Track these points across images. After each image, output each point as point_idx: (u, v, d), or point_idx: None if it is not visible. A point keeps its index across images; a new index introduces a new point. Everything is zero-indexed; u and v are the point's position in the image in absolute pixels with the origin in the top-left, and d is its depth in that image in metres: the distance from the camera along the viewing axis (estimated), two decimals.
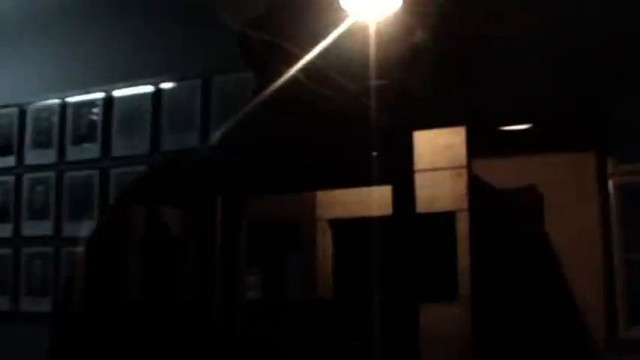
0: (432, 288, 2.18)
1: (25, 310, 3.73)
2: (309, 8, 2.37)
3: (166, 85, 3.55)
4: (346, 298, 2.22)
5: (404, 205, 2.14)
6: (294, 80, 2.33)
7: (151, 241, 2.35)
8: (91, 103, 3.75)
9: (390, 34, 2.37)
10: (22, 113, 3.98)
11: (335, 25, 2.29)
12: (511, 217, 2.55)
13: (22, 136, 3.95)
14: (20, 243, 3.84)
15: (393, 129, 2.29)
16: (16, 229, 3.87)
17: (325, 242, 2.25)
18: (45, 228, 3.77)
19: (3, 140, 4.02)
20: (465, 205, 2.15)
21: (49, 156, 3.85)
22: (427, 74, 2.53)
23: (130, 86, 3.65)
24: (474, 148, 2.21)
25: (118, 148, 3.65)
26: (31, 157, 3.91)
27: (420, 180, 2.18)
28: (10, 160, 3.97)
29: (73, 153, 3.78)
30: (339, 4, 2.38)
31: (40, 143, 3.91)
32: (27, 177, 3.90)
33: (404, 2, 2.41)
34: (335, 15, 2.33)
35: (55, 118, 3.86)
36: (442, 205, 2.18)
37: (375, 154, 2.15)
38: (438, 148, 2.18)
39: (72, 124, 3.79)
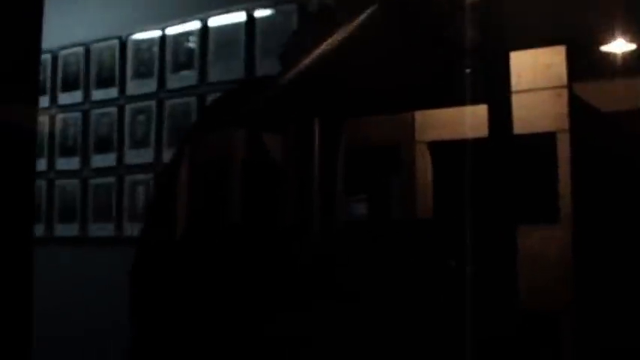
0: (533, 210, 2.16)
1: (127, 235, 3.83)
2: None
3: (261, 12, 3.56)
4: (444, 219, 2.23)
5: (501, 125, 2.11)
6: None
7: (250, 164, 2.38)
8: (188, 32, 3.78)
9: None
10: (122, 45, 4.05)
11: None
12: (615, 140, 2.50)
13: (124, 68, 4.02)
14: (124, 171, 3.93)
15: (489, 48, 2.26)
16: (119, 158, 3.96)
17: (424, 164, 2.25)
18: (146, 156, 3.85)
19: (106, 72, 4.10)
20: (565, 126, 2.12)
21: (149, 85, 3.92)
22: None
23: (225, 13, 3.66)
24: (577, 69, 2.17)
25: (215, 74, 3.68)
26: (132, 87, 3.98)
27: (519, 100, 2.15)
28: (112, 92, 4.05)
29: (171, 81, 3.83)
30: None
31: (140, 74, 3.97)
32: (129, 107, 3.98)
33: None
34: None
35: (155, 49, 3.91)
36: (542, 125, 2.15)
37: (468, 71, 2.13)
38: (537, 68, 2.15)
39: (170, 55, 3.84)
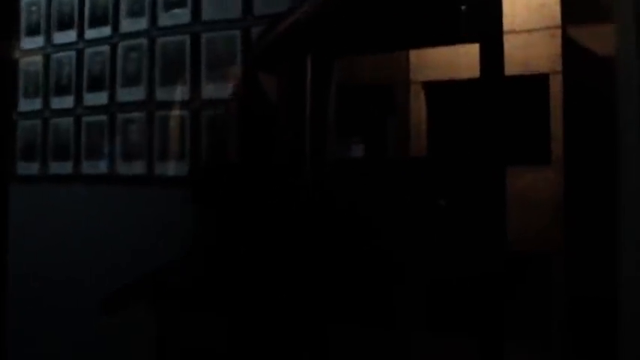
0: (525, 151, 2.17)
1: (119, 172, 3.83)
2: None
3: None
4: (436, 158, 2.23)
5: (493, 65, 2.10)
6: None
7: (247, 104, 2.38)
8: None
9: None
10: None
11: None
12: (608, 83, 2.50)
13: (117, 7, 3.98)
14: (116, 109, 3.92)
15: None
16: (111, 96, 3.94)
17: (419, 104, 2.25)
18: (139, 94, 3.83)
19: (100, 11, 4.07)
20: (558, 67, 2.12)
21: (141, 23, 3.89)
22: None
23: None
24: (571, 11, 2.16)
25: (209, 13, 3.65)
26: (125, 25, 3.95)
27: (513, 41, 2.14)
28: (106, 30, 4.03)
29: (163, 19, 3.80)
30: None
31: (133, 13, 3.94)
32: (121, 45, 3.95)
33: None
34: None
35: None
36: (536, 66, 2.14)
37: (463, 7, 2.11)
38: (531, 8, 2.14)
39: None
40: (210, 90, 3.32)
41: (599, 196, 2.29)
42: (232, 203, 2.35)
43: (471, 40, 2.14)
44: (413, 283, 2.25)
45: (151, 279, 2.63)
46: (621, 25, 1.85)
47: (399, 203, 2.21)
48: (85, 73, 4.02)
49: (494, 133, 2.12)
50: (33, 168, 4.10)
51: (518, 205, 2.10)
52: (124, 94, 3.87)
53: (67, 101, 4.06)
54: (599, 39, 2.37)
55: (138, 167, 3.68)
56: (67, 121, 4.04)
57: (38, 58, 4.17)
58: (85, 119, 3.98)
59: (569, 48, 2.16)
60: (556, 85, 2.12)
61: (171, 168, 3.45)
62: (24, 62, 4.22)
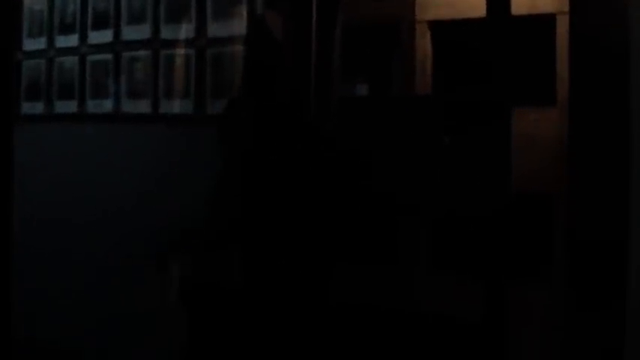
0: (531, 92, 2.17)
1: (125, 111, 3.83)
2: None
3: None
4: (442, 97, 2.23)
5: (500, 5, 2.09)
6: None
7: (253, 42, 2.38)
8: None
9: None
10: None
11: None
12: (617, 24, 2.49)
13: None
14: (120, 47, 3.90)
15: None
16: (116, 34, 3.92)
17: (424, 43, 2.25)
18: (144, 32, 3.81)
19: None
20: (565, 8, 2.11)
21: None
22: None
23: None
24: None
25: None
26: None
27: None
28: None
29: None
30: None
31: None
32: None
33: None
34: None
35: None
36: (543, 6, 2.13)
37: None
38: None
39: None
40: (215, 28, 3.30)
41: (603, 138, 2.29)
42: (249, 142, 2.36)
43: None
44: (417, 221, 2.26)
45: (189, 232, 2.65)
46: None
47: (404, 141, 2.21)
48: (90, 11, 3.99)
49: (501, 73, 2.12)
50: (38, 107, 4.09)
51: (522, 146, 2.10)
52: (130, 32, 3.85)
53: (72, 40, 4.04)
54: None
55: (143, 106, 3.68)
56: (72, 60, 4.03)
57: None
58: (90, 58, 3.97)
59: None
60: (563, 26, 2.11)
61: (177, 106, 3.44)
62: (28, 0, 4.20)
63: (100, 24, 3.93)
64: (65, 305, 3.62)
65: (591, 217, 2.22)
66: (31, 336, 3.54)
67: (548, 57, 2.13)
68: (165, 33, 3.57)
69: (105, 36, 3.91)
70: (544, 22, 2.13)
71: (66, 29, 4.06)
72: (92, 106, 3.91)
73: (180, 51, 3.49)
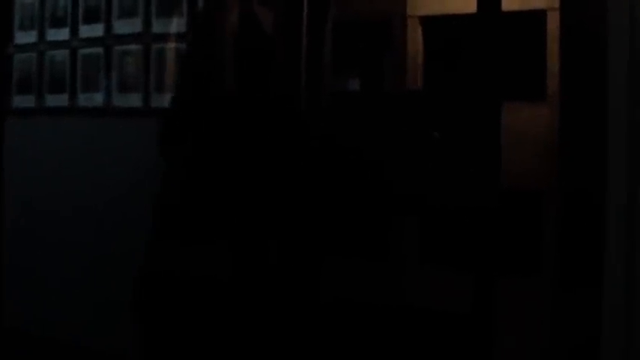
0: (521, 87, 2.17)
1: (116, 104, 3.82)
2: None
3: None
4: (432, 92, 2.24)
5: (489, 1, 2.10)
6: None
7: (244, 38, 2.38)
8: None
9: None
10: None
11: None
12: (604, 19, 2.49)
13: None
14: (112, 41, 3.89)
15: None
16: (108, 28, 3.92)
17: (416, 39, 2.25)
18: (135, 26, 3.80)
19: None
20: (556, 4, 2.11)
21: None
22: None
23: None
24: None
25: None
26: None
27: None
28: None
29: None
30: None
31: None
32: None
33: None
34: None
35: None
36: (533, 2, 2.14)
37: None
38: None
39: None
40: None
41: (593, 133, 2.30)
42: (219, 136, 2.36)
43: None
44: (407, 215, 2.27)
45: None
46: None
47: (395, 136, 2.22)
48: (81, 4, 3.98)
49: (491, 68, 2.13)
50: (29, 101, 4.08)
51: (512, 140, 2.10)
52: (121, 26, 3.85)
53: (63, 33, 4.03)
54: None
55: (134, 100, 3.67)
56: (63, 54, 4.02)
57: None
58: (81, 51, 3.96)
59: None
60: (553, 22, 2.12)
61: (168, 100, 3.44)
62: None
63: (91, 18, 3.93)
64: (56, 298, 3.63)
65: (581, 212, 2.24)
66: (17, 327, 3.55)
67: (539, 52, 2.13)
68: (157, 27, 3.57)
69: (96, 30, 3.90)
70: (535, 17, 2.13)
71: (57, 23, 4.05)
72: (83, 99, 3.90)
73: (172, 45, 3.49)
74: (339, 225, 2.33)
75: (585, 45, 2.26)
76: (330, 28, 2.21)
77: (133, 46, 3.76)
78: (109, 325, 3.19)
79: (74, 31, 3.99)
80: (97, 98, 3.85)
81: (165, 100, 3.41)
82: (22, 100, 4.11)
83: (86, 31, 3.94)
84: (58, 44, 4.03)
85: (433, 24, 2.26)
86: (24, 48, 4.14)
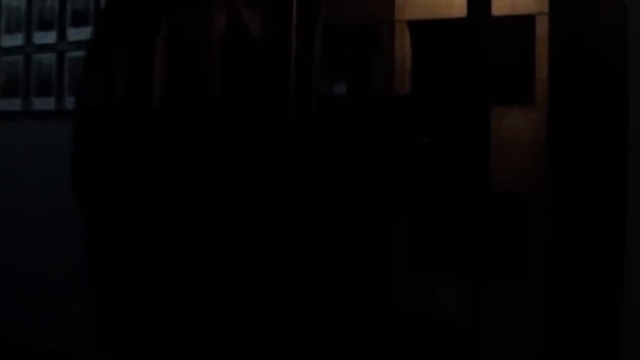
0: (510, 92, 2.18)
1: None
2: None
3: None
4: (421, 97, 2.24)
5: (480, 5, 2.10)
6: None
7: (230, 40, 2.37)
8: None
9: None
10: None
11: None
12: (594, 25, 2.50)
13: None
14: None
15: None
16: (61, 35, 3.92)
17: (404, 43, 2.25)
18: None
19: None
20: (545, 9, 2.12)
21: None
22: None
23: None
24: None
25: None
26: None
27: None
28: None
29: None
30: None
31: None
32: None
33: None
34: None
35: None
36: (522, 7, 2.14)
37: None
38: None
39: None
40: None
41: (582, 138, 2.31)
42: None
43: None
44: (396, 220, 2.27)
45: None
46: None
47: (384, 140, 2.22)
48: (69, 7, 3.97)
49: (481, 73, 2.13)
50: (15, 104, 4.07)
51: (501, 145, 2.11)
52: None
53: (50, 36, 4.01)
54: None
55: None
56: (50, 57, 4.00)
57: None
58: (69, 55, 3.94)
59: None
60: (542, 27, 2.12)
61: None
62: None
63: (79, 21, 3.91)
64: (31, 302, 3.62)
65: (569, 216, 2.24)
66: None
67: (528, 57, 2.13)
68: None
69: (84, 33, 3.88)
70: (524, 22, 2.13)
71: (44, 26, 4.03)
72: (70, 103, 3.89)
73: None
74: (327, 230, 2.33)
75: (574, 50, 2.27)
76: (320, 32, 2.20)
77: None
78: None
79: (61, 35, 3.98)
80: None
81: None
82: (9, 104, 4.10)
83: (74, 34, 3.93)
84: (44, 47, 4.02)
85: (421, 28, 2.25)
86: (10, 51, 4.12)
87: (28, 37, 4.10)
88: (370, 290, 2.29)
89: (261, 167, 2.23)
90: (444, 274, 2.21)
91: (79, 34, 3.89)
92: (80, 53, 3.82)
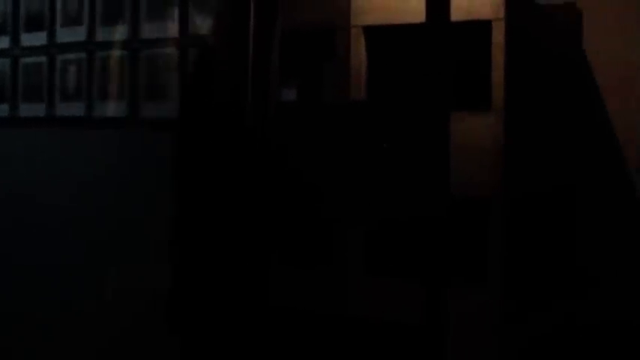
0: (466, 97, 2.19)
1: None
2: None
3: None
4: (378, 103, 2.25)
5: (438, 10, 2.11)
6: None
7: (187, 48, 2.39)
8: None
9: None
10: None
11: None
12: (549, 32, 2.52)
13: None
14: (94, 47, 3.90)
15: None
16: (89, 33, 3.92)
17: (359, 49, 2.26)
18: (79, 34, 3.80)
19: None
20: (501, 14, 2.12)
21: None
22: None
23: None
24: None
25: None
26: None
27: None
28: None
29: None
30: None
31: None
32: None
33: None
34: None
35: None
36: (478, 13, 2.15)
37: None
38: None
39: None
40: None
41: (536, 141, 2.32)
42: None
43: None
44: (354, 226, 2.28)
45: None
46: None
47: (341, 146, 2.23)
48: (59, 9, 3.98)
49: (440, 78, 2.13)
50: (3, 110, 4.08)
51: (458, 149, 2.11)
52: (104, 33, 3.86)
53: (41, 38, 4.02)
54: None
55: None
56: (40, 60, 4.01)
57: None
58: (60, 57, 3.96)
59: None
60: (498, 32, 2.13)
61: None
62: None
63: (70, 22, 3.93)
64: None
65: (526, 220, 2.25)
66: None
67: (484, 62, 2.14)
68: (145, 32, 3.58)
69: (77, 34, 3.90)
70: (480, 28, 2.14)
71: (33, 27, 4.03)
72: (63, 108, 3.91)
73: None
74: (284, 234, 2.35)
75: (529, 54, 2.28)
76: (279, 38, 2.22)
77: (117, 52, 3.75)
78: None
79: (51, 36, 3.99)
80: (78, 106, 3.85)
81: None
82: None
83: (63, 35, 3.94)
84: (33, 50, 4.03)
85: (377, 34, 2.27)
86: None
87: (15, 40, 4.10)
88: (330, 295, 2.30)
89: (219, 173, 2.25)
90: (405, 278, 2.22)
91: (72, 36, 3.90)
92: (73, 55, 3.85)
